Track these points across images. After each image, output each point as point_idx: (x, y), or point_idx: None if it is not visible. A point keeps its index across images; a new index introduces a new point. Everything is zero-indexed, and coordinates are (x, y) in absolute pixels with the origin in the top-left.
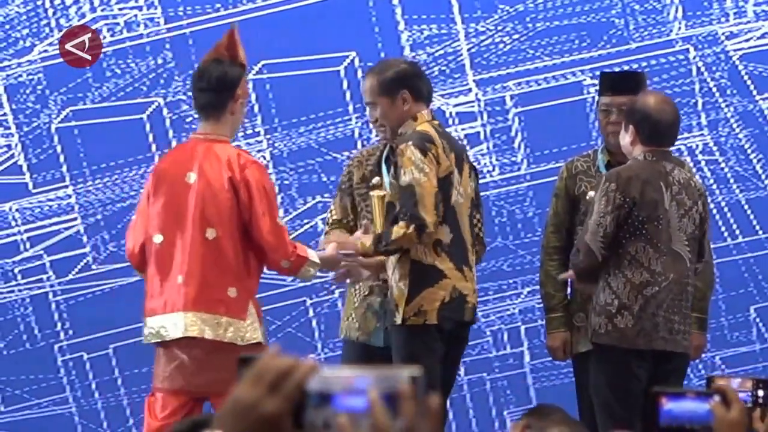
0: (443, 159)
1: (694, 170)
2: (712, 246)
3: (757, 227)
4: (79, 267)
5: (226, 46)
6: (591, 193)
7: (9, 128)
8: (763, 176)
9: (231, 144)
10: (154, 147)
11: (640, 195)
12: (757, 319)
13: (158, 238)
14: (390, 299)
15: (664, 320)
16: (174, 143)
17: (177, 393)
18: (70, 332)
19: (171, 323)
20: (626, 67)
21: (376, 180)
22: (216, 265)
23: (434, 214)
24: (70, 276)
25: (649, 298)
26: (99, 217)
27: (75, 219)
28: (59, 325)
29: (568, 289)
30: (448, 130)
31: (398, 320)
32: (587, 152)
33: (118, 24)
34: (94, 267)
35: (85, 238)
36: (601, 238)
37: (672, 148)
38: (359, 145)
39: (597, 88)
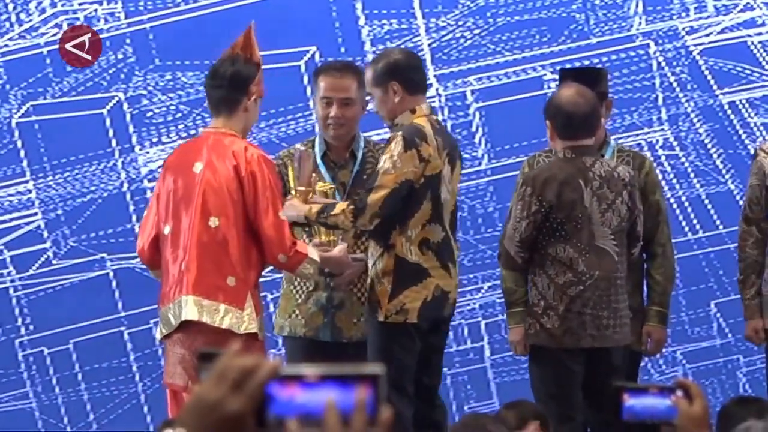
0: (434, 157)
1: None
2: (672, 241)
3: (718, 222)
4: (39, 262)
5: (241, 46)
6: None
7: None
8: (723, 171)
9: (242, 138)
10: (114, 142)
11: (556, 197)
12: (718, 315)
13: (167, 229)
14: (370, 294)
15: (591, 317)
16: (134, 138)
17: (185, 389)
18: (31, 327)
19: (176, 308)
20: (587, 62)
21: (313, 177)
22: (217, 253)
23: (378, 207)
24: (31, 271)
25: (573, 298)
26: (59, 212)
27: (35, 214)
28: (20, 320)
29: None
30: None
31: (379, 317)
32: (549, 147)
33: (78, 19)
34: (54, 262)
35: (45, 233)
36: (518, 243)
37: (632, 143)
38: None
39: (557, 83)
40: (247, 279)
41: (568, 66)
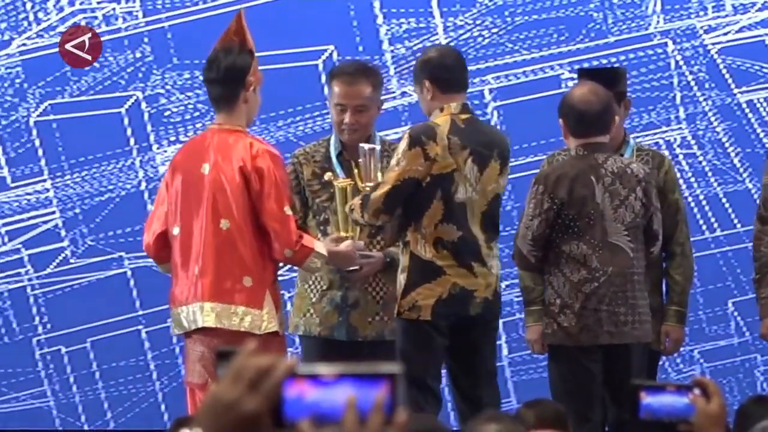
0: (443, 157)
1: (633, 158)
2: (690, 239)
3: (735, 221)
4: (57, 261)
5: (234, 31)
6: None
7: None
8: (741, 170)
9: (247, 133)
10: (132, 141)
11: (568, 194)
12: (735, 313)
13: (176, 230)
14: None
15: (607, 314)
16: (152, 137)
17: (203, 387)
18: (48, 326)
19: (190, 313)
20: (605, 61)
21: (328, 175)
22: (230, 255)
23: (381, 203)
24: (48, 270)
25: (588, 295)
26: (77, 210)
27: (53, 213)
28: (37, 318)
29: None
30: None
31: (395, 312)
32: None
33: (96, 18)
34: (72, 261)
35: (63, 232)
36: (530, 242)
37: (650, 142)
38: None
39: (575, 83)
40: (263, 277)
41: (586, 65)
